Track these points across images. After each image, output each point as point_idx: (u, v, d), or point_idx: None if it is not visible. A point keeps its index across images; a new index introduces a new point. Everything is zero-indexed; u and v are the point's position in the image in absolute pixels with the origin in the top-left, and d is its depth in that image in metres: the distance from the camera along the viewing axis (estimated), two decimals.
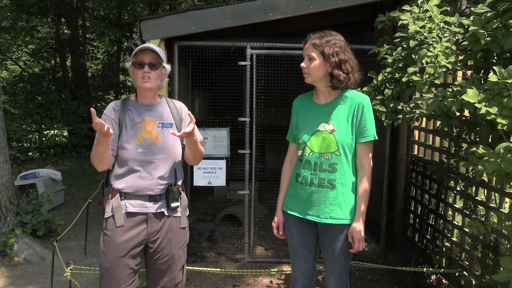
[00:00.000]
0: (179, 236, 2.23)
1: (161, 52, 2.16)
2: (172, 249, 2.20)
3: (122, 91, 13.94)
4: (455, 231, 3.22)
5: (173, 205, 2.15)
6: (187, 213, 2.30)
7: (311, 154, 2.10)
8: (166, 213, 2.17)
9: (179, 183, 2.22)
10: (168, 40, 3.69)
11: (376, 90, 2.56)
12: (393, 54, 2.44)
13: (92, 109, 1.87)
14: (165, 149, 2.15)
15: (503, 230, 2.41)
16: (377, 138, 2.10)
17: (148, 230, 2.14)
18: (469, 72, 2.34)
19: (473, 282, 2.73)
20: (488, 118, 1.72)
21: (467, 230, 2.98)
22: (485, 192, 2.83)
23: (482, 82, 2.08)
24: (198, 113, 6.25)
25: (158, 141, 2.14)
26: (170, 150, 2.17)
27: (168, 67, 2.23)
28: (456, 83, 2.11)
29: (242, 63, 3.80)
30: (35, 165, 8.80)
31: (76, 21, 12.19)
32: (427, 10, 2.27)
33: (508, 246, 2.57)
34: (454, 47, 2.19)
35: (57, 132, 10.62)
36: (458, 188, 3.09)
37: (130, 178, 2.12)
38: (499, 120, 1.67)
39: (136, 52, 2.11)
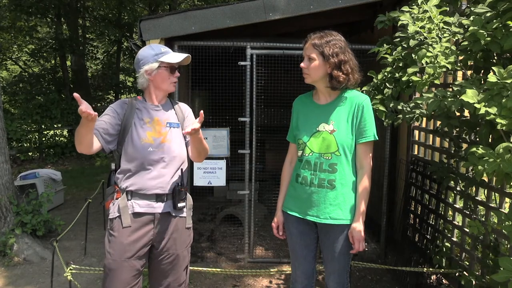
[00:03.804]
0: (184, 236, 2.24)
1: None
2: (177, 249, 2.21)
3: (122, 91, 13.96)
4: (455, 231, 3.22)
5: (179, 205, 2.16)
6: (191, 214, 2.31)
7: (311, 154, 2.10)
8: (172, 214, 2.17)
9: (185, 183, 2.22)
10: (168, 40, 3.68)
11: (376, 90, 2.56)
12: (393, 54, 2.44)
13: (76, 94, 1.78)
14: (173, 149, 2.16)
15: (503, 230, 2.41)
16: (377, 138, 2.10)
17: (155, 230, 2.14)
18: (469, 72, 2.34)
19: (473, 282, 2.73)
20: (487, 118, 1.72)
21: (467, 230, 2.98)
22: (485, 192, 2.83)
23: (482, 82, 2.08)
24: (198, 113, 6.23)
25: (167, 141, 2.16)
26: (178, 150, 2.18)
27: None
28: (456, 83, 2.11)
29: (242, 63, 3.80)
30: (35, 165, 8.81)
31: (76, 21, 12.19)
32: (426, 11, 2.27)
33: (508, 246, 2.57)
34: (454, 47, 2.18)
35: (57, 132, 10.62)
36: (458, 188, 3.09)
37: (140, 177, 2.11)
38: (498, 120, 1.67)
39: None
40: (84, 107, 1.78)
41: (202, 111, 2.05)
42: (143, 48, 2.18)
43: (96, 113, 1.84)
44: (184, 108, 2.32)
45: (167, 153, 2.14)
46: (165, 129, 2.17)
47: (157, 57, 2.11)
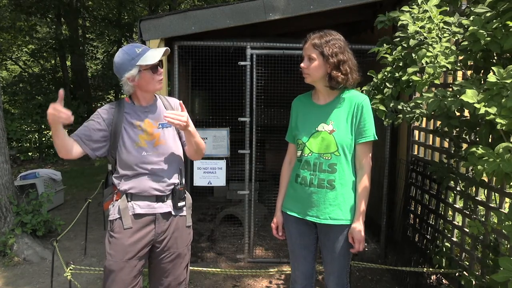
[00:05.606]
0: (184, 235, 2.24)
1: None
2: (178, 247, 2.21)
3: (122, 91, 13.94)
4: (455, 231, 3.21)
5: (179, 204, 2.16)
6: (191, 212, 2.31)
7: (310, 154, 2.10)
8: (173, 213, 2.17)
9: (184, 182, 2.22)
10: (168, 40, 3.68)
11: (376, 89, 2.56)
12: (393, 54, 2.43)
13: (61, 91, 1.78)
14: (168, 149, 2.15)
15: (503, 230, 2.40)
16: (376, 138, 2.10)
17: (156, 230, 2.14)
18: (469, 72, 2.33)
19: (473, 282, 2.73)
20: (487, 118, 1.72)
21: (467, 230, 2.98)
22: (485, 192, 2.83)
23: (482, 82, 2.08)
24: (198, 113, 6.27)
25: (161, 142, 2.14)
26: (173, 149, 2.17)
27: None
28: (456, 83, 2.11)
29: (242, 63, 3.80)
30: (35, 165, 8.81)
31: (76, 21, 12.20)
32: (426, 11, 2.27)
33: (508, 246, 2.57)
34: (454, 47, 2.18)
35: None
36: (458, 188, 3.09)
37: (138, 180, 2.10)
38: (498, 120, 1.67)
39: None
40: (51, 111, 1.79)
41: (180, 102, 2.09)
42: (117, 54, 2.09)
43: (66, 116, 1.82)
44: (173, 102, 2.27)
45: (162, 155, 2.13)
46: (157, 130, 2.14)
47: (134, 61, 2.03)
